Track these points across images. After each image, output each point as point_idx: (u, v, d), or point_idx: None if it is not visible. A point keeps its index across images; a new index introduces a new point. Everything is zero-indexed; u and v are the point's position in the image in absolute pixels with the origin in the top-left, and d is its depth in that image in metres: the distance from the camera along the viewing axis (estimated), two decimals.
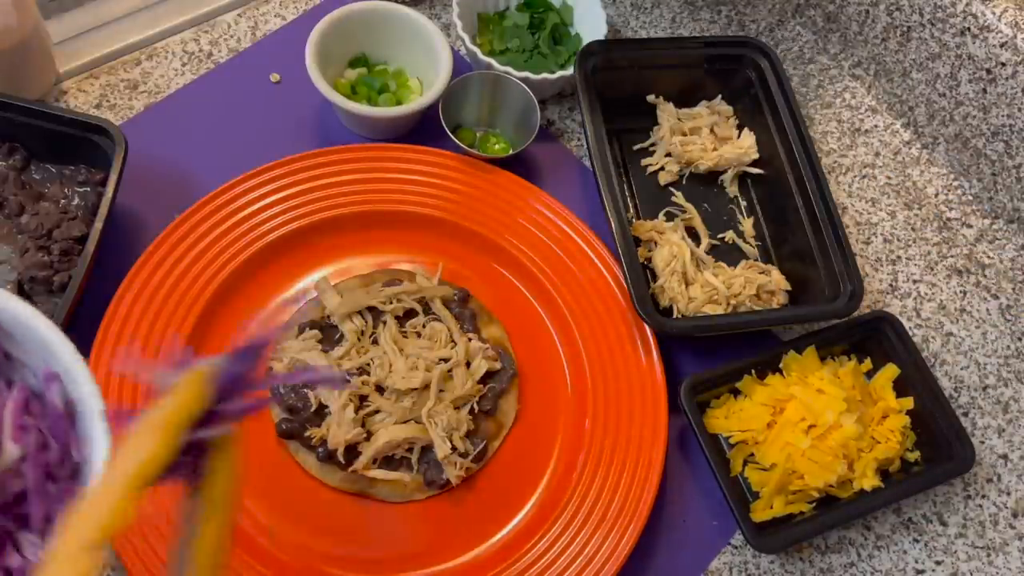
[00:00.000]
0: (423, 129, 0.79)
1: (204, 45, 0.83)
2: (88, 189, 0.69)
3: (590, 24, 0.85)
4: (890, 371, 0.72)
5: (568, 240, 0.74)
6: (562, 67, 0.82)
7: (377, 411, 0.66)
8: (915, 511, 0.71)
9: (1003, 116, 0.79)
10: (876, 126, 0.90)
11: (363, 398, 0.66)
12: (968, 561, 0.70)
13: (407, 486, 0.65)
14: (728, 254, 0.79)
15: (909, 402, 0.71)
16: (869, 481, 0.67)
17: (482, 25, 0.85)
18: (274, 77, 0.82)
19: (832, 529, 0.68)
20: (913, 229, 0.85)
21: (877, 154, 0.89)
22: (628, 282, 0.68)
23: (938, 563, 0.69)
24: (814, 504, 0.67)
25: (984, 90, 0.80)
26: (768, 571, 0.67)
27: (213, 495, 0.31)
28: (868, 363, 0.73)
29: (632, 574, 0.64)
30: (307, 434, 0.65)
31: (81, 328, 0.65)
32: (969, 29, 0.78)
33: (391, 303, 0.70)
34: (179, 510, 0.32)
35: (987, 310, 0.81)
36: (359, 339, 0.68)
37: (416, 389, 0.66)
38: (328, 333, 0.69)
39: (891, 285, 0.81)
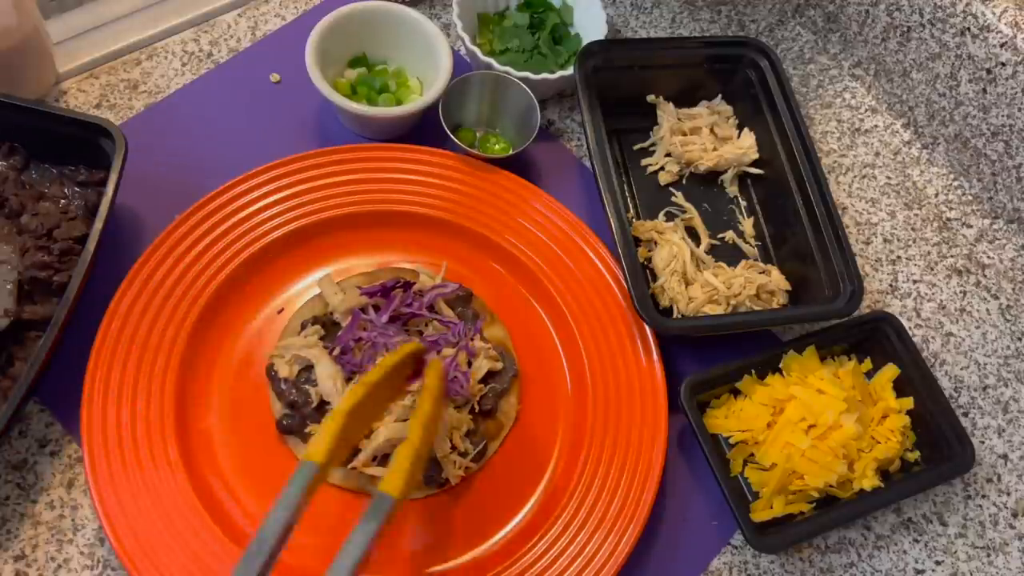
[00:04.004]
0: (423, 129, 0.79)
1: (204, 45, 0.83)
2: (88, 189, 0.69)
3: (590, 24, 0.85)
4: (890, 371, 0.72)
5: (568, 240, 0.74)
6: (562, 67, 0.82)
7: None
8: (915, 511, 0.71)
9: (1003, 116, 0.79)
10: (876, 126, 0.90)
11: None
12: (968, 561, 0.70)
13: None
14: (728, 254, 0.79)
15: (909, 402, 0.71)
16: (869, 481, 0.67)
17: (482, 25, 0.85)
18: (274, 77, 0.82)
19: (832, 529, 0.68)
20: (913, 229, 0.85)
21: (877, 154, 0.89)
22: (628, 282, 0.68)
23: (938, 563, 0.69)
24: (814, 504, 0.67)
25: (984, 90, 0.80)
26: (768, 571, 0.67)
27: (428, 384, 0.59)
28: (868, 363, 0.73)
29: (632, 574, 0.64)
30: (307, 430, 0.65)
31: (81, 328, 0.65)
32: (969, 29, 0.78)
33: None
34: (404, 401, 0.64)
35: (987, 310, 0.81)
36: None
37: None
38: (331, 329, 0.69)
39: (891, 285, 0.81)
